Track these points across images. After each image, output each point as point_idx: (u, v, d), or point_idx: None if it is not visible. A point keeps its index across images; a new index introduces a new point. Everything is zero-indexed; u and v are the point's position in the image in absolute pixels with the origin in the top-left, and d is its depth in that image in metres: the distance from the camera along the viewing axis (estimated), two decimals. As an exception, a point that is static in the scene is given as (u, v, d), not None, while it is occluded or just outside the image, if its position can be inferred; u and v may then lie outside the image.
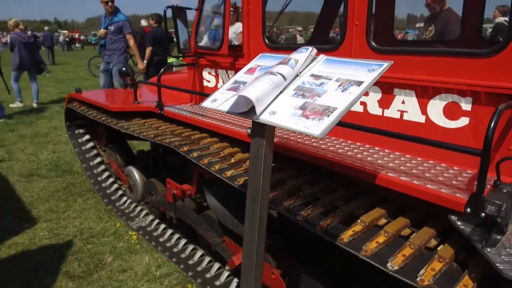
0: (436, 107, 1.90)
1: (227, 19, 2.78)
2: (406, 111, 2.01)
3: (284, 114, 1.36)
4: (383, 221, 1.83)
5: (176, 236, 3.31)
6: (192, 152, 2.58)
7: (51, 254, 3.18)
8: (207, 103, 1.58)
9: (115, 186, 4.26)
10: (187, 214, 2.93)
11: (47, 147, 6.13)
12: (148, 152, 4.26)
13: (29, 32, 9.44)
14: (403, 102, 2.02)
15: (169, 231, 3.39)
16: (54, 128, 7.29)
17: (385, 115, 2.11)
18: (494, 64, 1.66)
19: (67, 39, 38.22)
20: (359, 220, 1.80)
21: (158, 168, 3.94)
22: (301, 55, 1.55)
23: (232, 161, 2.48)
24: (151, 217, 3.68)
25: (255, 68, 1.73)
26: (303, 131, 1.24)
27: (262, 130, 1.46)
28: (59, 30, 73.65)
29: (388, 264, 1.52)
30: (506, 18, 5.60)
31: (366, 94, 2.16)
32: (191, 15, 3.04)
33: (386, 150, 2.11)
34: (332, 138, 2.37)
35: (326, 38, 3.85)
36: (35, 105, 9.23)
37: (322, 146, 2.21)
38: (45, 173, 4.99)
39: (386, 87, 2.06)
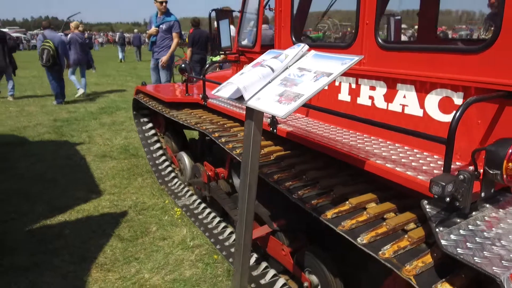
0: (432, 102, 1.99)
1: (260, 19, 3.06)
2: (407, 105, 2.13)
3: (266, 100, 1.62)
4: (371, 205, 1.98)
5: (213, 214, 3.69)
6: (221, 137, 2.92)
7: (109, 220, 3.75)
8: (215, 91, 1.88)
9: (169, 169, 4.79)
10: (217, 193, 3.29)
11: (121, 134, 6.96)
12: (197, 140, 4.72)
13: (86, 34, 10.77)
14: (404, 97, 2.13)
15: (208, 210, 3.78)
16: (130, 118, 8.17)
17: (389, 109, 2.23)
18: (483, 60, 1.73)
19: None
20: (347, 202, 1.98)
21: (204, 153, 4.36)
22: (293, 50, 1.79)
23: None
24: (194, 197, 4.12)
25: (260, 62, 2.00)
26: (271, 113, 1.49)
27: (252, 113, 1.73)
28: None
29: (359, 239, 1.70)
30: None
31: (373, 88, 2.31)
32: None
33: (388, 142, 2.23)
34: (343, 129, 2.53)
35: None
36: (82, 90, 10.45)
37: (331, 136, 2.39)
38: (115, 155, 5.73)
39: (391, 82, 2.19)
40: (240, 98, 1.71)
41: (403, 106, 2.15)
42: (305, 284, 2.46)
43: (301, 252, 2.56)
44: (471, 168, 1.69)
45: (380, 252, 1.60)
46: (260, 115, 1.75)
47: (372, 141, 2.24)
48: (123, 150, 5.97)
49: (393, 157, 1.99)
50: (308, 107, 2.52)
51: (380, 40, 2.21)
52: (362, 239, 1.70)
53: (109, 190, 4.46)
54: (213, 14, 3.27)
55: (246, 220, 1.86)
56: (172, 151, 4.70)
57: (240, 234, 1.91)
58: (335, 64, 1.60)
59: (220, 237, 3.34)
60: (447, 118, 1.94)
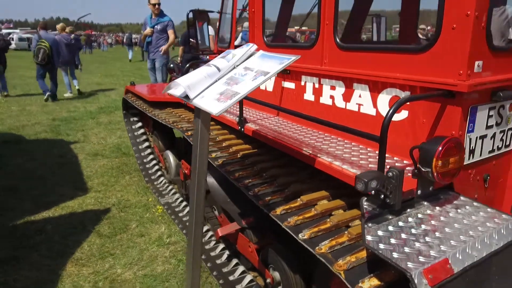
0: (383, 101, 2.02)
1: (234, 19, 3.11)
2: (362, 104, 2.16)
3: (208, 98, 1.66)
4: (322, 202, 2.02)
5: (192, 212, 3.74)
6: (189, 131, 2.97)
7: (91, 217, 3.82)
8: (165, 90, 1.94)
9: (156, 167, 4.86)
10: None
11: (116, 133, 7.06)
12: (181, 138, 4.78)
13: (72, 35, 11.49)
14: (360, 96, 2.16)
15: (188, 208, 3.84)
16: (127, 118, 8.29)
17: (347, 108, 2.26)
18: (426, 60, 1.76)
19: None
20: (299, 199, 2.02)
21: (187, 152, 4.42)
22: (241, 50, 1.83)
23: (223, 145, 2.82)
24: (177, 195, 4.18)
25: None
26: (207, 110, 1.54)
27: (199, 111, 1.78)
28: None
29: (300, 234, 1.74)
30: None
31: (333, 88, 2.34)
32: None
33: (345, 140, 2.26)
34: (308, 128, 2.56)
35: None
36: (70, 95, 10.92)
37: (293, 134, 2.43)
38: (107, 154, 5.82)
39: (348, 82, 2.22)
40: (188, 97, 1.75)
41: (359, 105, 2.18)
42: (268, 280, 2.50)
43: (265, 249, 2.59)
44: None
45: (317, 247, 1.64)
46: (206, 112, 1.79)
47: (331, 140, 2.28)
48: (116, 149, 6.06)
49: (338, 152, 2.03)
50: (268, 105, 2.55)
51: (338, 41, 2.24)
52: (304, 235, 1.73)
53: (96, 188, 4.54)
54: (191, 15, 3.32)
55: (195, 214, 1.91)
56: (159, 150, 4.76)
57: (191, 228, 1.96)
58: (274, 64, 1.64)
59: (197, 234, 3.39)
60: (397, 117, 1.96)
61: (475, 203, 1.67)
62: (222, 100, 1.57)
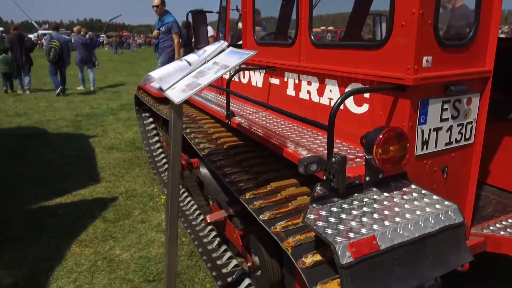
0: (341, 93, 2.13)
1: (227, 18, 3.29)
2: (333, 99, 2.28)
3: (177, 89, 1.84)
4: (290, 188, 2.16)
5: (192, 202, 3.95)
6: (187, 128, 3.17)
7: (99, 204, 4.10)
8: (142, 82, 2.13)
9: (164, 161, 5.10)
10: (189, 181, 3.54)
11: (133, 128, 7.39)
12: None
13: (87, 35, 12.72)
14: (330, 91, 2.29)
15: (189, 199, 4.05)
16: (145, 114, 8.63)
17: (321, 102, 2.39)
18: (381, 56, 1.87)
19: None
20: (269, 185, 2.18)
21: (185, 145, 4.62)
22: (212, 47, 2.00)
23: (213, 137, 3.00)
24: (180, 186, 4.40)
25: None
26: (171, 99, 1.72)
27: (172, 101, 1.96)
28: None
29: (261, 215, 1.89)
30: None
31: (310, 83, 2.47)
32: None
33: (319, 133, 2.39)
34: (287, 122, 2.71)
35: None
36: (92, 88, 12.07)
37: (272, 127, 2.58)
38: (122, 148, 6.14)
39: (321, 77, 2.35)
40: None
41: (330, 99, 2.30)
42: (249, 264, 2.66)
43: (248, 236, 2.75)
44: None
45: (273, 227, 1.79)
46: (178, 106, 1.97)
47: (305, 132, 2.42)
48: (130, 143, 6.37)
49: (307, 143, 2.17)
50: (244, 98, 2.71)
51: (313, 38, 2.37)
52: (264, 216, 1.89)
53: (107, 178, 4.84)
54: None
55: (171, 201, 2.10)
56: (167, 144, 5.01)
57: (167, 214, 2.14)
58: (234, 59, 1.80)
59: (193, 223, 3.59)
60: (360, 110, 2.08)
61: (423, 191, 1.77)
62: (186, 91, 1.75)
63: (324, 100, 2.35)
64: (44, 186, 4.57)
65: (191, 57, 1.96)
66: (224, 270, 2.91)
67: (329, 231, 1.46)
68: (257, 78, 3.16)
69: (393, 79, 1.78)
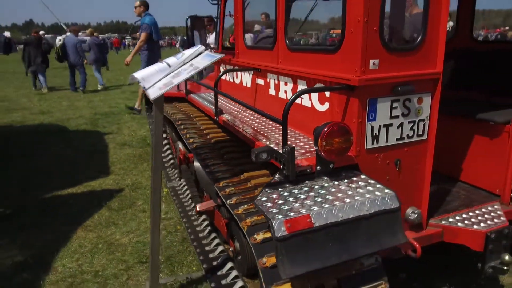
0: (314, 95, 2.35)
1: (221, 24, 3.55)
2: (303, 98, 2.50)
3: (155, 88, 2.11)
4: (261, 178, 2.39)
5: (190, 195, 4.23)
6: (181, 125, 3.45)
7: (106, 194, 4.44)
8: (130, 79, 2.40)
9: (170, 156, 5.42)
10: (185, 174, 3.82)
11: (146, 127, 7.76)
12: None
13: (100, 37, 13.54)
14: (301, 90, 2.50)
15: (188, 191, 4.33)
16: (159, 113, 9.01)
17: (295, 101, 2.61)
18: (337, 59, 2.09)
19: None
20: (242, 175, 2.42)
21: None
22: (190, 50, 2.26)
23: (204, 132, 3.27)
24: (182, 180, 4.69)
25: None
26: (148, 95, 1.99)
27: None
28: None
29: (229, 200, 2.14)
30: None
31: (286, 84, 2.70)
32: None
33: (296, 130, 2.61)
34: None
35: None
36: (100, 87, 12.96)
37: (252, 123, 2.82)
38: (134, 144, 6.51)
39: (294, 78, 2.57)
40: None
41: (301, 99, 2.52)
42: (231, 249, 2.91)
43: (231, 223, 3.00)
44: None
45: (236, 209, 2.03)
46: (159, 99, 2.25)
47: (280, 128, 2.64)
48: (142, 140, 6.73)
49: (276, 136, 2.39)
50: (229, 97, 2.95)
51: (287, 42, 2.60)
52: (232, 201, 2.13)
53: (117, 172, 5.19)
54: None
55: (154, 187, 2.37)
56: (172, 141, 5.31)
57: (151, 201, 2.42)
58: (205, 61, 2.05)
59: (190, 213, 3.87)
60: (322, 108, 2.29)
61: (370, 181, 1.97)
62: (162, 89, 2.01)
63: (297, 100, 2.56)
64: (58, 178, 4.95)
65: (171, 60, 2.23)
66: (211, 255, 3.16)
67: (273, 210, 1.69)
68: (247, 79, 3.41)
69: (344, 80, 1.99)
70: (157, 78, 2.18)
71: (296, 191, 1.87)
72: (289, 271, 1.56)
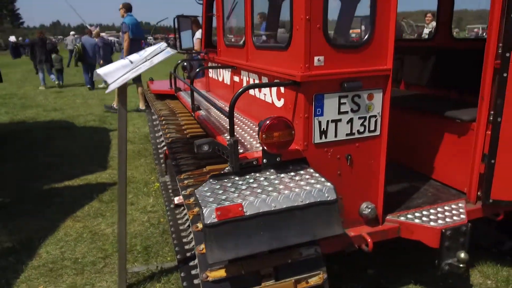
0: (274, 90, 2.42)
1: (203, 23, 3.65)
2: (266, 94, 2.57)
3: (116, 83, 2.23)
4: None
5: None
6: (164, 121, 3.57)
7: (100, 188, 4.62)
8: (94, 75, 2.53)
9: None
10: (169, 169, 3.95)
11: (151, 124, 7.96)
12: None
13: (106, 37, 14.67)
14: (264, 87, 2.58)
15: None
16: (166, 111, 9.23)
17: (260, 97, 2.69)
18: (287, 56, 2.15)
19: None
20: (204, 169, 2.51)
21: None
22: (152, 48, 2.37)
23: (182, 127, 3.38)
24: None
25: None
26: (108, 90, 2.11)
27: (120, 92, 2.35)
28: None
29: (184, 191, 2.23)
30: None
31: (254, 81, 2.77)
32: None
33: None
34: (242, 115, 3.02)
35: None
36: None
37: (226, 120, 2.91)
38: (135, 141, 6.70)
39: (260, 75, 2.65)
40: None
41: (265, 95, 2.60)
42: (202, 240, 3.00)
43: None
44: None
45: (187, 199, 2.12)
46: (123, 93, 2.37)
47: (249, 124, 2.72)
48: (144, 137, 6.92)
49: (242, 132, 2.47)
50: (200, 95, 3.04)
51: (254, 40, 2.68)
52: (186, 191, 2.23)
53: (114, 166, 5.37)
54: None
55: (120, 177, 2.49)
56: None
57: (118, 192, 2.54)
58: (161, 57, 2.16)
59: (172, 206, 3.99)
60: (279, 103, 2.36)
61: (315, 174, 2.02)
62: (119, 83, 2.13)
63: (261, 96, 2.64)
64: (58, 171, 5.18)
65: (133, 56, 2.34)
66: (186, 247, 3.26)
67: (210, 199, 1.78)
68: (226, 76, 3.50)
69: (291, 76, 2.05)
70: (119, 74, 2.30)
71: (240, 182, 1.95)
72: (216, 257, 1.64)
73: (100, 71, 2.28)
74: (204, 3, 3.67)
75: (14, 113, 9.15)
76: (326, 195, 1.86)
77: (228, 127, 1.95)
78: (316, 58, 1.99)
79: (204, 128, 2.79)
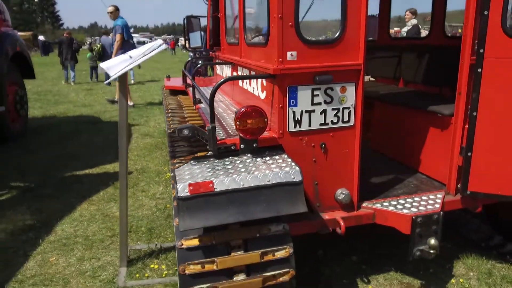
0: (258, 83, 2.63)
1: (208, 23, 3.90)
2: (254, 87, 2.78)
3: (116, 74, 2.52)
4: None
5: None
6: (170, 113, 3.85)
7: (116, 176, 4.94)
8: (100, 68, 2.83)
9: (180, 146, 5.88)
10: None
11: (171, 120, 8.33)
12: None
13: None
14: (253, 80, 2.79)
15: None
16: (187, 108, 9.60)
17: (249, 90, 2.90)
18: (266, 51, 2.36)
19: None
20: (196, 155, 2.75)
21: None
22: (149, 44, 2.64)
23: (186, 120, 3.65)
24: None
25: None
26: (108, 81, 2.39)
27: (120, 84, 2.64)
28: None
29: (176, 164, 2.48)
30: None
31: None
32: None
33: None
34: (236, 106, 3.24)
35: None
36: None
37: (221, 112, 3.14)
38: (155, 135, 7.07)
39: (249, 70, 2.86)
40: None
41: (254, 88, 2.81)
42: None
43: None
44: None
45: (173, 179, 2.37)
46: (122, 85, 2.65)
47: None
48: (163, 131, 7.28)
49: (232, 123, 2.69)
50: (198, 89, 3.28)
51: (245, 37, 2.90)
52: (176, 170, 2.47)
53: (132, 158, 5.74)
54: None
55: (120, 163, 2.78)
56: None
57: (119, 175, 2.83)
58: (154, 53, 2.42)
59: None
60: (262, 95, 2.57)
61: (287, 159, 2.21)
62: (116, 75, 2.41)
63: (251, 89, 2.86)
64: (80, 161, 5.60)
65: (133, 52, 2.62)
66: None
67: (187, 177, 2.01)
68: (228, 72, 3.74)
69: (267, 70, 2.26)
70: (120, 68, 2.58)
71: (218, 164, 2.17)
72: (187, 225, 1.87)
73: (103, 65, 2.57)
74: (208, 3, 3.92)
75: (47, 108, 9.80)
76: (292, 176, 2.04)
77: (210, 116, 2.17)
78: (289, 53, 2.19)
79: (204, 120, 3.03)
